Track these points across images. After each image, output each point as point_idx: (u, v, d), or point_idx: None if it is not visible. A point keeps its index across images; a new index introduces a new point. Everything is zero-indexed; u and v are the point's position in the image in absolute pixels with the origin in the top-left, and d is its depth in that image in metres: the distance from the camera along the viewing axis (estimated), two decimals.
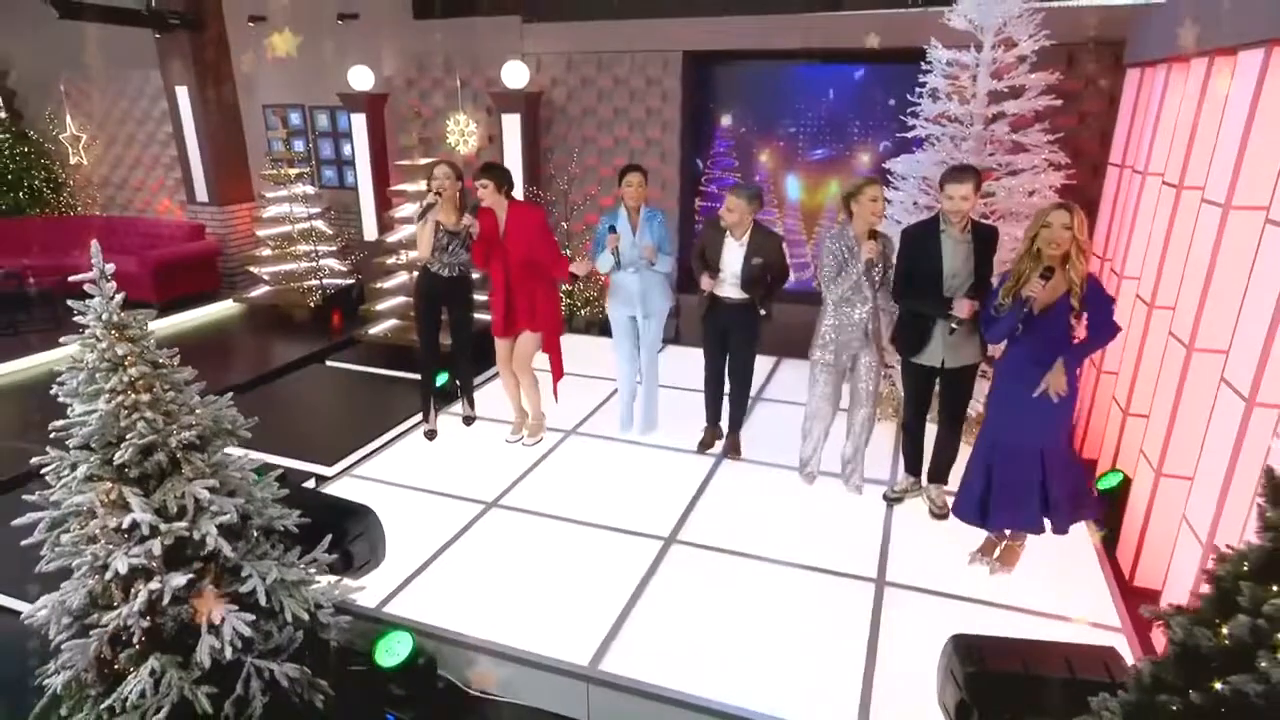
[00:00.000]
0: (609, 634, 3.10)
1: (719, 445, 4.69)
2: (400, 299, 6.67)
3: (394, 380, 5.83)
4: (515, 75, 6.61)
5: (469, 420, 5.08)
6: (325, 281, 7.43)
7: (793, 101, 6.59)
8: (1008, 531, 3.46)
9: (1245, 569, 1.54)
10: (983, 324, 3.33)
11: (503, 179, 4.33)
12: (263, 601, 2.58)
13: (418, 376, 4.99)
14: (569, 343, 6.75)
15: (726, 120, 6.84)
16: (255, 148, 8.28)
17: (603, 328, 6.57)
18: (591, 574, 3.49)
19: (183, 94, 7.87)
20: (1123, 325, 3.26)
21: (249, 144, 8.31)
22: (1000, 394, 3.28)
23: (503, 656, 2.96)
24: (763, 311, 4.26)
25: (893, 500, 4.04)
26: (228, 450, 2.68)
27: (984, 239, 3.55)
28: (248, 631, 2.49)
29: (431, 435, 4.87)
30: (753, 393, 5.39)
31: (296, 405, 5.54)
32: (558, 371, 4.71)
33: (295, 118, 8.12)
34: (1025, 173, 4.68)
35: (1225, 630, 1.54)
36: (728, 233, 4.24)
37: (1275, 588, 1.49)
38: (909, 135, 4.88)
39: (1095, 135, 5.49)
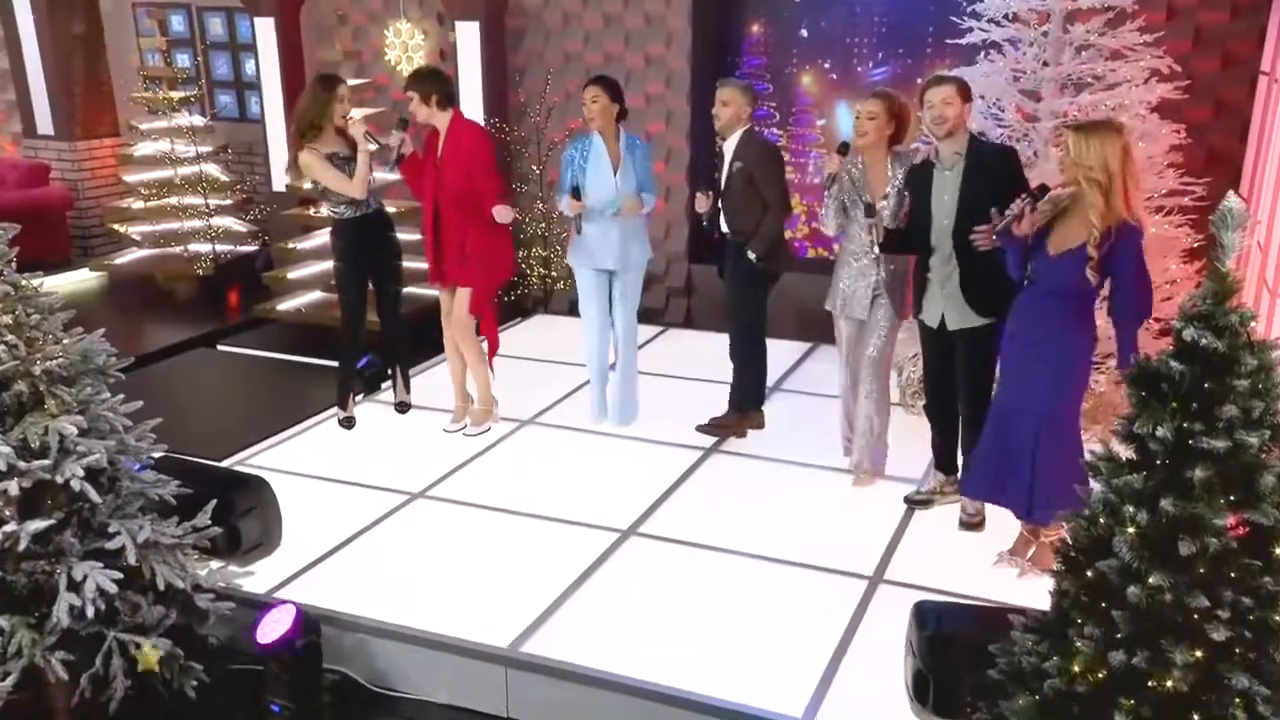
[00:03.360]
0: (536, 620, 3.88)
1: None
2: (321, 265, 7.50)
3: (308, 368, 6.68)
4: None
5: (403, 407, 5.92)
6: (219, 246, 8.26)
7: (846, 3, 7.28)
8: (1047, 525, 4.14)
9: (1115, 456, 2.26)
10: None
11: (431, 88, 5.16)
12: (132, 560, 3.39)
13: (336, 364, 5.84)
14: (544, 324, 7.60)
15: (756, 30, 7.58)
16: (122, 62, 9.00)
17: None
18: (524, 564, 4.29)
19: None
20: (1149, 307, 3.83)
21: (113, 57, 9.01)
22: (1004, 344, 4.01)
23: (405, 640, 3.75)
24: (751, 254, 5.03)
25: (917, 503, 4.75)
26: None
27: (987, 167, 4.14)
28: (113, 588, 3.30)
29: (349, 423, 5.72)
30: (772, 379, 6.14)
31: (175, 397, 6.36)
32: (492, 343, 5.51)
33: (178, 21, 8.76)
34: (1123, 85, 5.38)
35: (1100, 520, 2.26)
36: (720, 144, 5.08)
37: (1137, 475, 2.20)
38: (962, 42, 5.60)
39: (1254, 36, 6.04)
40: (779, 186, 5.09)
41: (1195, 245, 5.52)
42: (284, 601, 3.68)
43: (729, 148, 5.07)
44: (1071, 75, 5.40)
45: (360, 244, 5.51)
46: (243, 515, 4.10)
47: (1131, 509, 2.15)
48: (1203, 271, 5.62)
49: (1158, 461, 2.18)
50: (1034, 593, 3.91)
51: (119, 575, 3.31)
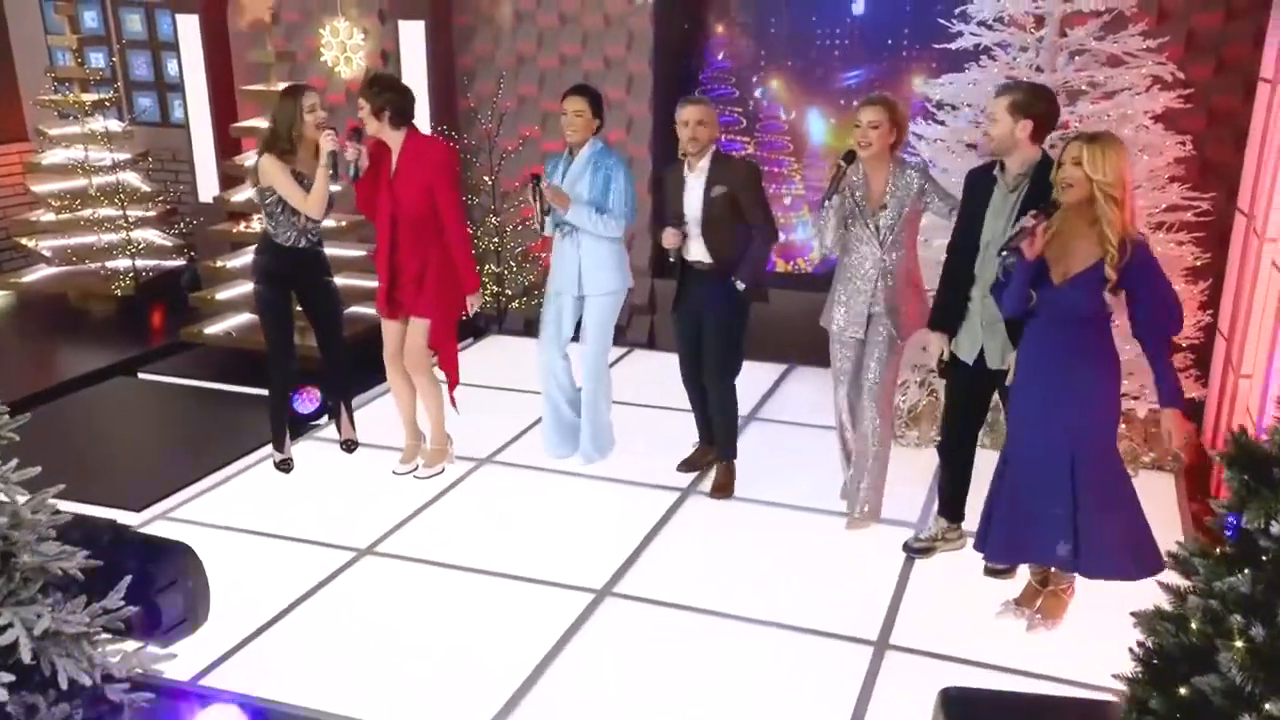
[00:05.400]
0: (503, 708, 3.51)
1: (711, 474, 5.12)
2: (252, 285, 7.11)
3: (239, 398, 6.27)
4: None
5: (350, 446, 5.53)
6: (140, 262, 7.84)
7: (816, 4, 7.02)
8: (1053, 571, 3.91)
9: (1210, 550, 1.95)
10: (994, 292, 3.80)
11: (386, 101, 4.77)
12: (26, 659, 2.96)
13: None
14: (497, 346, 7.25)
15: (721, 31, 7.30)
16: (28, 62, 8.54)
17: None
18: (488, 636, 3.93)
19: None
20: (1184, 313, 3.65)
21: (17, 55, 8.56)
22: (1016, 386, 3.78)
23: None
24: (739, 284, 4.72)
25: (917, 551, 4.45)
26: None
27: (1047, 197, 3.75)
28: (2, 694, 2.87)
29: (286, 466, 5.31)
30: (746, 409, 5.83)
31: (90, 433, 5.97)
32: (452, 375, 5.17)
33: (90, 17, 8.37)
34: (1121, 94, 5.15)
35: (1193, 625, 1.95)
36: (685, 168, 4.76)
37: (1244, 572, 1.89)
38: (954, 47, 5.36)
39: (1249, 39, 5.83)
40: (766, 208, 4.82)
41: (1199, 264, 5.35)
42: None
43: (700, 169, 4.74)
44: (1069, 83, 5.16)
45: (285, 265, 5.10)
46: (162, 590, 3.67)
47: (1240, 619, 1.84)
48: (1206, 293, 5.46)
49: (1264, 558, 1.87)
50: (1050, 655, 3.74)
51: (11, 678, 2.88)
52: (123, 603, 3.22)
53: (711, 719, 3.48)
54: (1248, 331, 5.09)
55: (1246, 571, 1.89)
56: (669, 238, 4.78)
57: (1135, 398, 5.20)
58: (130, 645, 3.37)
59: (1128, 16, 5.21)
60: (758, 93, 7.28)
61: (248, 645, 3.89)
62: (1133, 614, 2.10)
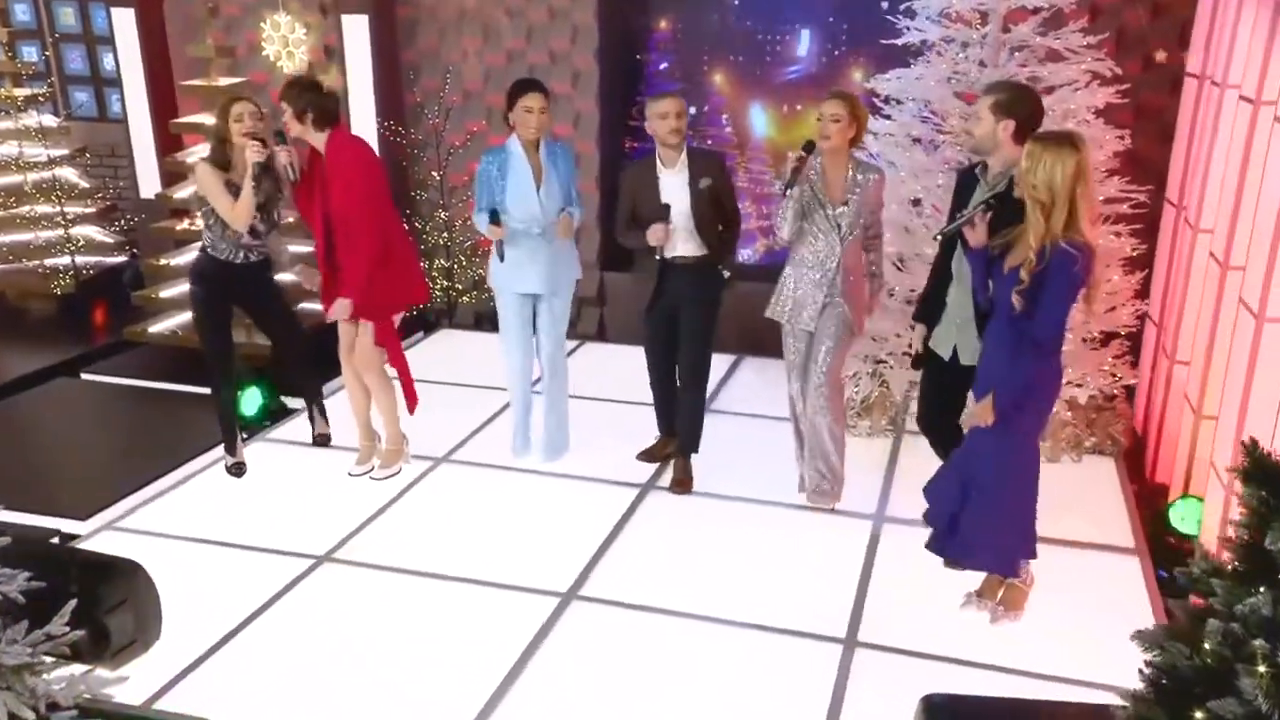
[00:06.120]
0: None
1: (669, 469, 4.96)
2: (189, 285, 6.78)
3: (186, 398, 5.94)
4: None
5: (323, 440, 5.30)
6: (80, 259, 7.51)
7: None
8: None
9: (1223, 566, 1.81)
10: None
11: (306, 103, 4.46)
12: None
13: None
14: (448, 340, 6.98)
15: (664, 26, 7.11)
16: None
17: (493, 321, 6.77)
18: (452, 647, 3.71)
19: None
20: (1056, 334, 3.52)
21: None
22: (979, 370, 3.73)
23: None
24: (725, 273, 4.63)
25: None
26: None
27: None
28: None
29: (239, 470, 5.02)
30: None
31: (31, 437, 5.63)
32: (405, 377, 4.91)
33: (21, 10, 8.05)
34: (1062, 89, 5.07)
35: (1206, 646, 1.80)
36: (659, 165, 4.56)
37: (1261, 591, 1.75)
38: (900, 43, 5.23)
39: (1174, 35, 5.82)
40: (735, 197, 4.73)
41: (1135, 254, 5.31)
42: None
43: (680, 164, 4.54)
44: (1012, 77, 5.05)
45: (215, 276, 4.80)
46: (111, 610, 3.39)
47: (1264, 644, 1.70)
48: (1142, 282, 5.42)
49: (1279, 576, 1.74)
50: (1020, 649, 3.65)
51: None
52: (67, 628, 2.96)
53: None
54: (1182, 319, 5.04)
55: (1265, 592, 1.75)
56: (657, 235, 4.49)
57: (1078, 385, 5.13)
58: (77, 669, 3.10)
59: (1066, 13, 5.13)
60: (702, 88, 7.09)
61: (203, 663, 3.62)
62: (1137, 632, 1.96)
